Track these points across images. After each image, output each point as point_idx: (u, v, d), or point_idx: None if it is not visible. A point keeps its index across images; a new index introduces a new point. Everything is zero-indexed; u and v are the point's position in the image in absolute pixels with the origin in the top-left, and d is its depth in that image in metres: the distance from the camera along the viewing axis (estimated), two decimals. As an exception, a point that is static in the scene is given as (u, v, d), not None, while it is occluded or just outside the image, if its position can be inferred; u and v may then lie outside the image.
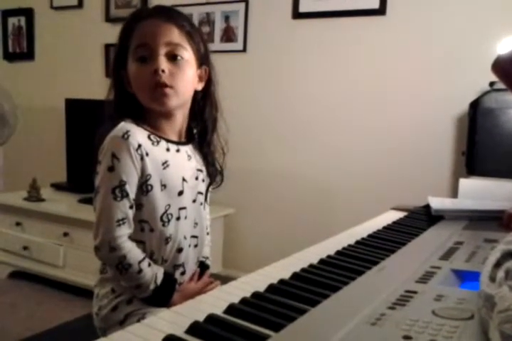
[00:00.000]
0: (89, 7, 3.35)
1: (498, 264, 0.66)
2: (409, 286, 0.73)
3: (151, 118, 1.13)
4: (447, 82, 2.33)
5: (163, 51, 1.06)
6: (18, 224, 2.85)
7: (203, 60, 1.16)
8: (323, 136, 2.65)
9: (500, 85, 1.89)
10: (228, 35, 2.87)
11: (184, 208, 1.14)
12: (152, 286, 1.07)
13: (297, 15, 2.66)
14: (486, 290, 0.58)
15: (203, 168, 1.21)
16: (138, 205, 1.08)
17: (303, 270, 0.83)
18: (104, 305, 1.12)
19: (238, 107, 2.80)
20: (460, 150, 2.23)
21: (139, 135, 1.06)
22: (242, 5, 2.80)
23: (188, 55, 1.10)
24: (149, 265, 1.08)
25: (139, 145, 1.04)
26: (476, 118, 2.03)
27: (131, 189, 1.05)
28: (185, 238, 1.15)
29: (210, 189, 1.25)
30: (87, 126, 3.05)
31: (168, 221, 1.11)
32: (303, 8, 2.64)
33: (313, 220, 2.67)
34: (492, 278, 0.62)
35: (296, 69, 2.70)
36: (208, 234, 1.30)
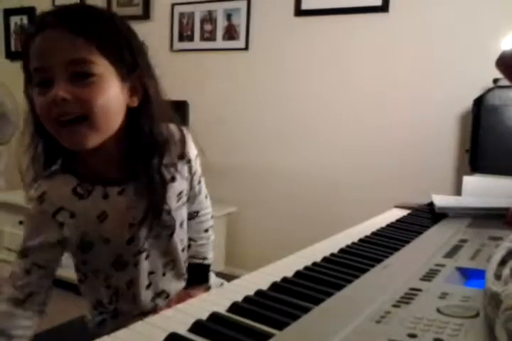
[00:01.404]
0: (91, 5, 3.34)
1: (503, 262, 0.65)
2: (413, 284, 0.72)
3: (81, 155, 0.94)
4: (451, 79, 2.32)
5: (64, 73, 0.82)
6: (21, 222, 2.85)
7: (132, 68, 0.91)
8: (326, 134, 2.64)
9: (505, 82, 1.88)
10: (230, 33, 2.86)
11: (142, 252, 1.01)
12: None
13: (299, 12, 2.66)
14: (491, 288, 0.57)
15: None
16: (83, 261, 1.01)
17: (306, 268, 0.83)
18: (90, 320, 1.11)
19: (240, 105, 2.80)
20: (464, 148, 2.22)
21: (57, 195, 0.92)
22: (244, 2, 2.79)
23: (101, 69, 0.85)
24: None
25: (59, 209, 0.92)
26: (480, 115, 2.03)
27: (36, 253, 0.93)
28: (152, 273, 1.06)
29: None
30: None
31: (124, 267, 1.01)
32: (305, 6, 2.64)
33: (316, 218, 2.67)
34: (497, 276, 0.62)
35: (299, 66, 2.69)
36: (206, 231, 1.23)
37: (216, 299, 0.71)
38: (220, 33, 2.89)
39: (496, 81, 2.02)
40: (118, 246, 0.97)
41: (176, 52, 3.05)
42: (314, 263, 0.86)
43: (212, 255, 1.25)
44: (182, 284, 1.15)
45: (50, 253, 0.94)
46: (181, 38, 3.02)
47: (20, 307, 0.93)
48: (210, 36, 2.91)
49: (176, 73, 2.83)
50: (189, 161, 1.07)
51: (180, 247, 1.10)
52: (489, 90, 2.03)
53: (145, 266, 1.03)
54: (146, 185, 0.96)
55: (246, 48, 2.83)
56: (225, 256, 2.91)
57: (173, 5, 3.03)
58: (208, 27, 2.92)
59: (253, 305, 0.67)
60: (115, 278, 1.02)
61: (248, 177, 2.84)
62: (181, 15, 3.01)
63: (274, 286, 0.74)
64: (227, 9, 2.86)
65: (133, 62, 0.90)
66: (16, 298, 0.93)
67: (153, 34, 3.12)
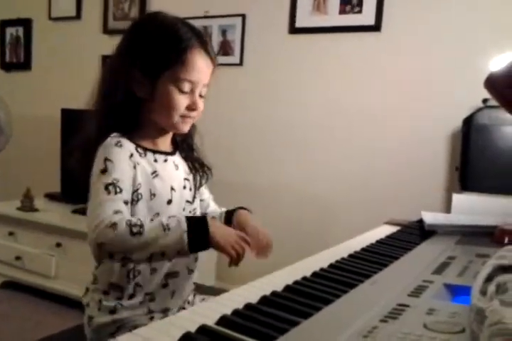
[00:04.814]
0: (87, 18, 3.37)
1: (489, 278, 0.66)
2: (401, 300, 0.73)
3: (149, 129, 1.14)
4: (441, 98, 2.35)
5: (199, 90, 1.12)
6: (10, 233, 2.83)
7: None
8: (318, 151, 2.66)
9: (493, 102, 1.91)
10: (225, 49, 2.89)
11: (173, 217, 1.12)
12: (183, 218, 0.98)
13: (294, 30, 2.69)
14: (477, 304, 0.58)
15: (190, 177, 1.22)
16: None
17: (296, 282, 0.83)
18: (95, 315, 1.12)
19: (233, 120, 2.82)
20: (454, 166, 2.25)
21: (129, 146, 1.09)
22: (239, 19, 2.82)
23: None
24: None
25: (131, 154, 1.08)
26: (470, 134, 2.05)
27: (125, 187, 1.03)
28: None
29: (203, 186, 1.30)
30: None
31: None
32: (299, 24, 2.67)
33: (306, 234, 2.67)
34: (483, 292, 0.63)
35: (292, 83, 2.72)
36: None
37: (205, 312, 0.71)
38: (215, 48, 2.90)
39: (485, 101, 2.05)
40: (159, 204, 1.10)
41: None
42: (304, 278, 0.86)
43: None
44: (191, 283, 1.22)
45: (130, 189, 1.06)
46: (176, 53, 3.04)
47: None
48: (205, 51, 2.93)
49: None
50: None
51: None
52: (479, 110, 2.06)
53: None
54: (183, 158, 1.23)
55: (240, 64, 2.85)
56: (216, 270, 2.90)
57: (169, 20, 3.06)
58: (203, 42, 2.95)
59: (242, 318, 0.67)
60: None
61: (240, 193, 2.84)
62: (177, 30, 3.04)
63: (264, 300, 0.74)
64: (223, 25, 2.89)
65: None
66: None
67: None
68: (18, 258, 2.76)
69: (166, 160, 1.16)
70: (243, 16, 2.82)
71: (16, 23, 3.65)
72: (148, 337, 0.63)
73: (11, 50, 3.72)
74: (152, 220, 0.97)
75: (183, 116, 1.11)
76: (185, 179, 1.20)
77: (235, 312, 0.69)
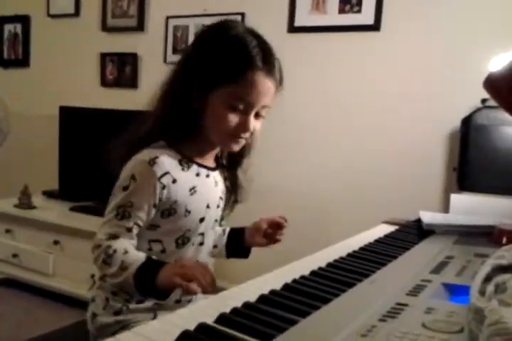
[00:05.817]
0: (85, 16, 3.36)
1: (488, 278, 0.67)
2: (400, 299, 0.73)
3: (201, 140, 1.11)
4: (440, 98, 2.35)
5: (255, 110, 1.07)
6: (8, 231, 2.83)
7: None
8: (317, 150, 2.66)
9: (492, 102, 1.91)
10: (224, 47, 2.89)
11: (203, 234, 1.15)
12: (139, 261, 0.98)
13: (292, 29, 2.69)
14: (475, 304, 0.58)
15: (224, 196, 1.21)
16: (153, 226, 1.07)
17: (294, 281, 0.83)
18: (100, 313, 1.11)
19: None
20: (452, 166, 2.25)
21: (167, 161, 1.04)
22: (238, 17, 2.82)
23: None
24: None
25: (165, 173, 1.03)
26: (468, 134, 2.05)
27: (137, 213, 1.02)
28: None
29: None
30: (80, 134, 3.06)
31: (183, 244, 1.11)
32: (298, 23, 2.67)
33: (305, 233, 2.67)
34: (482, 292, 0.63)
35: (289, 82, 2.70)
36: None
37: (204, 310, 0.71)
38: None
39: (484, 101, 2.06)
40: (192, 221, 1.10)
41: (170, 65, 3.06)
42: (302, 277, 0.86)
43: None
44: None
45: (148, 214, 1.04)
46: (175, 51, 3.04)
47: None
48: (204, 50, 2.92)
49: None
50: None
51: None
52: (477, 110, 2.06)
53: (199, 250, 1.16)
54: (226, 175, 1.21)
55: (239, 62, 2.84)
56: (215, 269, 2.89)
57: (167, 18, 3.05)
58: (202, 40, 2.94)
59: (241, 316, 0.67)
60: (167, 254, 1.09)
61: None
62: (175, 28, 3.03)
63: (262, 298, 0.74)
64: (222, 23, 2.88)
65: None
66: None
67: (147, 46, 3.14)
68: (15, 255, 2.76)
69: (208, 176, 1.13)
70: (242, 15, 2.81)
71: (14, 20, 3.64)
72: (147, 335, 0.63)
73: (9, 47, 3.71)
74: (126, 253, 0.98)
75: (233, 136, 1.06)
76: (221, 197, 1.19)
77: (234, 310, 0.69)
